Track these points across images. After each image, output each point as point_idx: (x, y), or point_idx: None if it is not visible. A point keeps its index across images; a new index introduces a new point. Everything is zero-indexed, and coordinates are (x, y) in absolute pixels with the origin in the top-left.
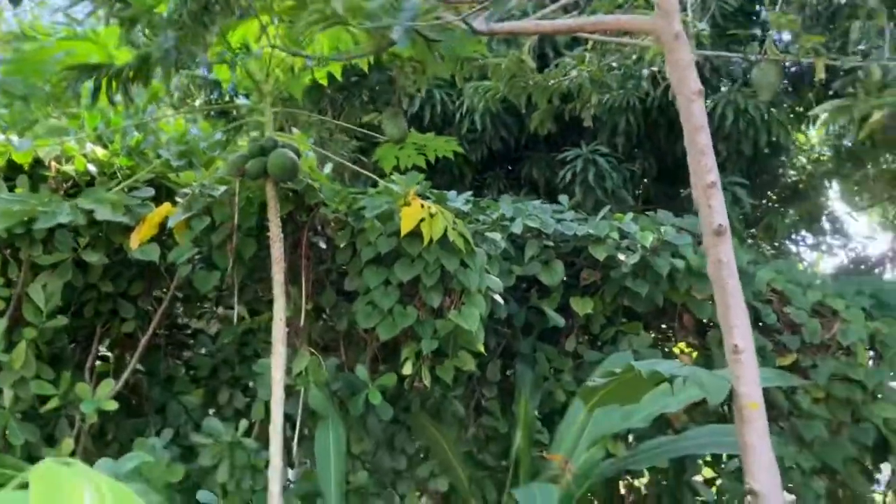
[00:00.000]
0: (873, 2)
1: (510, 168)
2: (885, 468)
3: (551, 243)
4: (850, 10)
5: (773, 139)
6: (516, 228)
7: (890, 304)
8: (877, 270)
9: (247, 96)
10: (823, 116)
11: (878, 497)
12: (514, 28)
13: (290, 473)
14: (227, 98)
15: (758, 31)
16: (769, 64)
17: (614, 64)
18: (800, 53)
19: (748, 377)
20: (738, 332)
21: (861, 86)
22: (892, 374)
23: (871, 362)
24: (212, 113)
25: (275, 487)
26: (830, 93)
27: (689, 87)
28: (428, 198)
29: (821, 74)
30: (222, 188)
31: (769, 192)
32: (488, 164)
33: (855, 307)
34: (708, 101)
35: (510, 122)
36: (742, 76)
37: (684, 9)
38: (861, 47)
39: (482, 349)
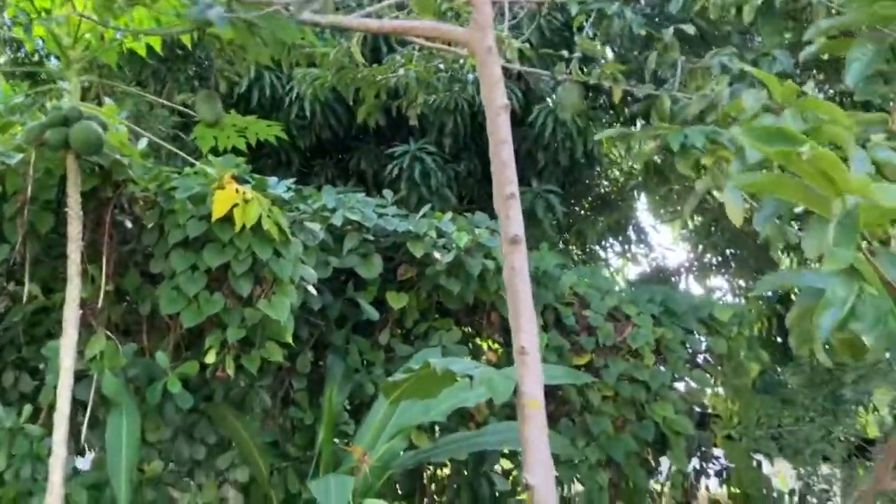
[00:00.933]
0: (668, 37)
1: (340, 157)
2: (664, 462)
3: (371, 237)
4: (648, 42)
5: (589, 151)
6: (337, 220)
7: (677, 312)
8: (673, 279)
9: (58, 59)
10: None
11: (657, 488)
12: (338, 21)
13: (83, 462)
14: (36, 59)
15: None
16: (573, 84)
17: (441, 66)
18: (600, 77)
19: (531, 377)
20: (525, 335)
21: (654, 113)
22: (674, 376)
23: (656, 365)
24: (16, 73)
25: (56, 477)
26: (628, 117)
27: (496, 101)
28: (247, 182)
29: (617, 98)
30: (18, 156)
31: (583, 201)
32: (317, 152)
33: (645, 314)
34: (534, 110)
35: (341, 112)
36: (552, 92)
37: (514, 19)
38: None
39: (291, 340)
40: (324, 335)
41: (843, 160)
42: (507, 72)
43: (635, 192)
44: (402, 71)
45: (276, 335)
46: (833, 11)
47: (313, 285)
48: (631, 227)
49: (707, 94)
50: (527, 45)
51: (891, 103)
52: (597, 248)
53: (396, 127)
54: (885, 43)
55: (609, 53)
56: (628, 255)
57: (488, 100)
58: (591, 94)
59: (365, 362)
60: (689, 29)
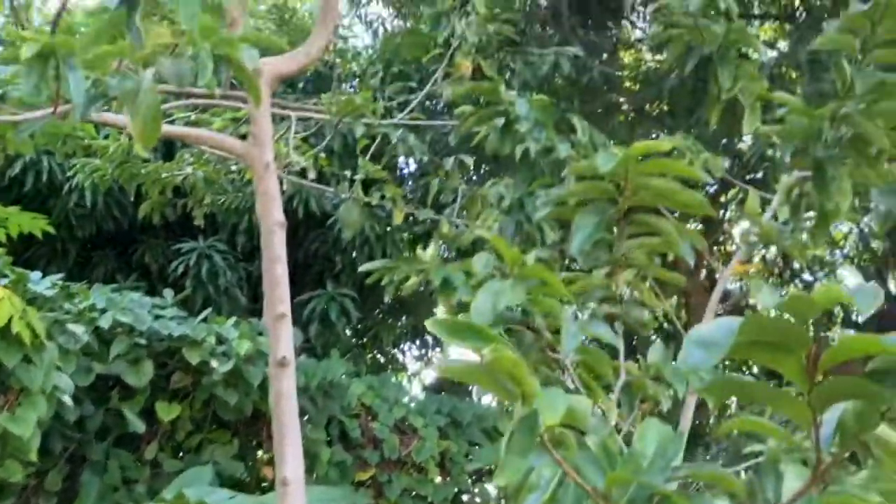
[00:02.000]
0: (449, 165)
1: (123, 250)
2: None
3: (143, 341)
4: (433, 168)
5: (387, 255)
6: (105, 322)
7: (462, 424)
8: (467, 386)
9: None
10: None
11: None
12: (117, 122)
13: None
14: None
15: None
16: (354, 203)
17: (233, 167)
18: (378, 198)
19: None
20: (288, 465)
21: (435, 236)
22: (456, 490)
23: (440, 479)
24: None
25: None
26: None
27: (272, 217)
28: (5, 276)
29: (398, 221)
30: None
31: (381, 304)
32: (98, 243)
33: (432, 425)
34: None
35: (126, 203)
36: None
37: (311, 129)
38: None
39: (36, 457)
40: (80, 449)
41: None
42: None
43: (433, 296)
44: (189, 169)
45: (18, 452)
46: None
47: (70, 394)
48: (428, 332)
49: (479, 224)
50: (322, 156)
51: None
52: (395, 351)
53: (187, 221)
54: (608, 213)
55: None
56: (426, 359)
57: (264, 215)
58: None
59: (126, 479)
60: (468, 158)
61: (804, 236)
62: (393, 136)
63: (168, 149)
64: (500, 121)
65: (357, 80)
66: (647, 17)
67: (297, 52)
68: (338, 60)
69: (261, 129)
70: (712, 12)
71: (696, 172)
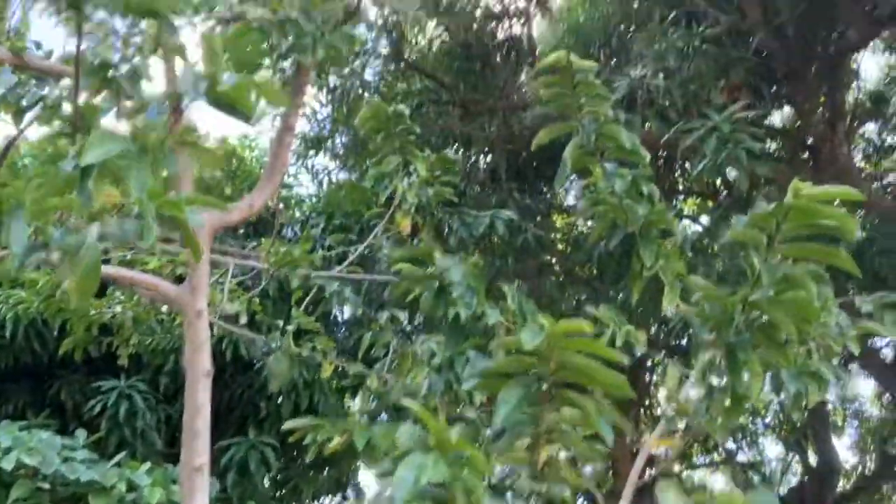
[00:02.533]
0: (382, 319)
1: (38, 383)
2: None
3: (47, 485)
4: (367, 321)
5: (315, 404)
6: (7, 463)
7: None
8: None
9: None
10: None
11: None
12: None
13: None
14: None
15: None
16: (283, 354)
17: (164, 308)
18: (309, 349)
19: None
20: None
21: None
22: None
23: None
24: None
25: None
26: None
27: (199, 366)
28: None
29: (327, 374)
30: None
31: (303, 455)
32: (12, 375)
33: None
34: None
35: (48, 336)
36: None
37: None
38: None
39: None
40: None
41: None
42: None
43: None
44: (119, 308)
45: None
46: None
47: None
48: (350, 486)
49: (408, 382)
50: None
51: None
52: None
53: (110, 358)
54: (533, 387)
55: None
56: None
57: (191, 363)
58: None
59: None
60: (401, 314)
61: (719, 415)
62: (329, 287)
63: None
64: (434, 283)
65: (299, 225)
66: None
67: (241, 204)
68: (281, 206)
69: (197, 276)
70: (636, 193)
71: (616, 355)
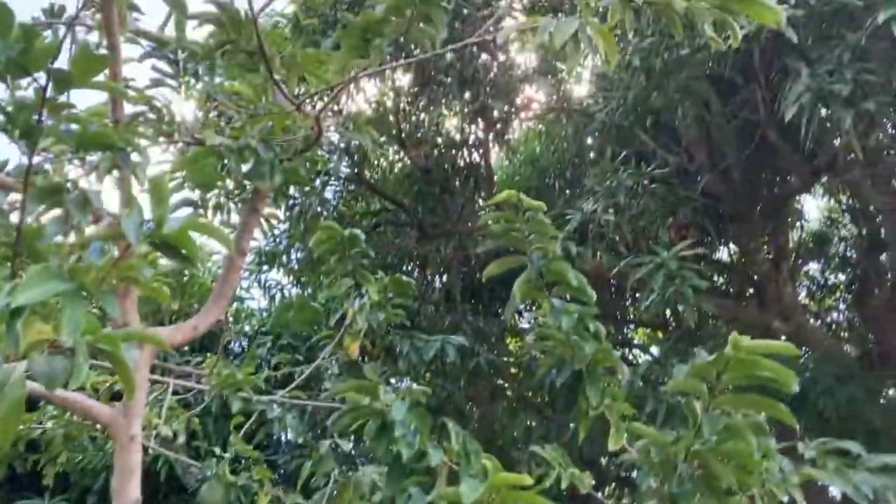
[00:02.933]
0: (323, 449)
1: None
2: None
3: None
4: (309, 450)
5: None
6: None
7: None
8: None
9: None
10: None
11: None
12: None
13: None
14: None
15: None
16: (218, 482)
17: (98, 425)
18: (246, 478)
19: None
20: None
21: None
22: None
23: None
24: None
25: None
26: None
27: (127, 495)
28: None
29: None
30: None
31: None
32: None
33: None
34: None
35: None
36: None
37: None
38: None
39: None
40: None
41: None
42: None
43: None
44: (49, 424)
45: None
46: None
47: None
48: None
49: None
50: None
51: None
52: None
53: (36, 476)
54: None
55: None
56: None
57: (119, 491)
58: None
59: None
60: (345, 444)
61: None
62: (270, 412)
63: (29, 398)
64: (378, 420)
65: (247, 340)
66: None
67: (186, 325)
68: (231, 319)
69: (134, 399)
70: (583, 330)
71: None
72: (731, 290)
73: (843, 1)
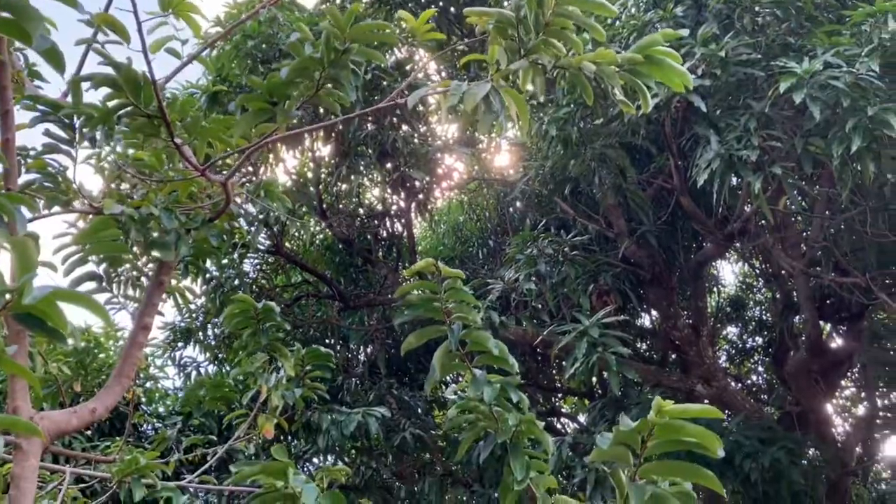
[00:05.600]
0: None
1: None
2: None
3: None
4: None
5: None
6: None
7: None
8: None
9: None
10: None
11: None
12: None
13: None
14: None
15: None
16: None
17: None
18: None
19: None
20: None
21: None
22: None
23: None
24: None
25: None
26: None
27: None
28: None
29: None
30: None
31: None
32: None
33: None
34: None
35: None
36: None
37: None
38: None
39: None
40: None
41: None
42: None
43: None
44: None
45: None
46: None
47: None
48: None
49: None
50: None
51: None
52: None
53: None
54: None
55: None
56: None
57: None
58: None
59: None
60: None
61: None
62: (177, 499)
63: None
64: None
65: (160, 421)
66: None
67: (84, 408)
68: (143, 399)
69: (21, 492)
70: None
71: None
72: (655, 355)
73: (747, 72)
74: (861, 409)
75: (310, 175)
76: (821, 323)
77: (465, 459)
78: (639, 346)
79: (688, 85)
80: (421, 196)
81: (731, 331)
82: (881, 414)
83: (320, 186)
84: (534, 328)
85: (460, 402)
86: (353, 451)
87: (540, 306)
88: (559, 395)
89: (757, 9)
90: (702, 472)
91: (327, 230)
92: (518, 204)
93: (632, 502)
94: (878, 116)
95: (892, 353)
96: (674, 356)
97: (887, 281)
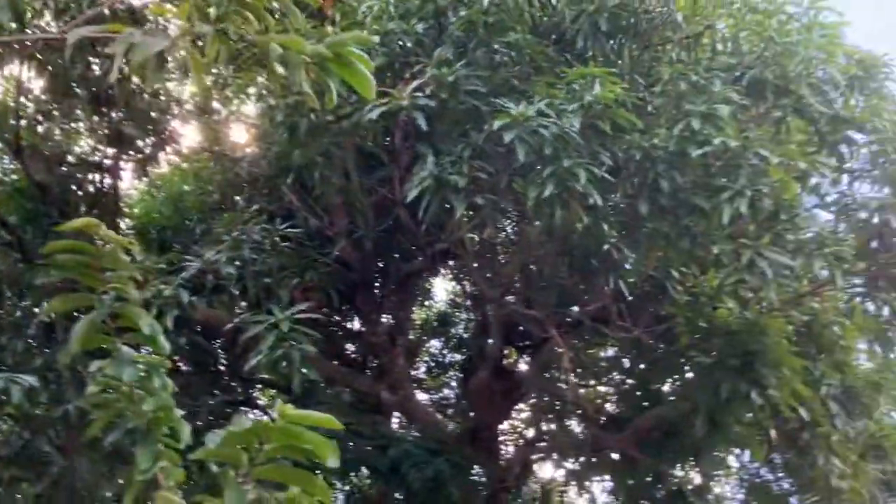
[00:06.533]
0: None
1: None
2: None
3: None
4: None
5: None
6: None
7: None
8: None
9: None
10: None
11: None
12: None
13: None
14: None
15: None
16: None
17: None
18: None
19: None
20: None
21: None
22: None
23: None
24: None
25: None
26: None
27: None
28: None
29: None
30: None
31: None
32: None
33: None
34: None
35: None
36: None
37: None
38: None
39: None
40: None
41: None
42: None
43: None
44: None
45: None
46: None
47: None
48: None
49: None
50: None
51: None
52: None
53: None
54: None
55: None
56: None
57: None
58: None
59: None
60: None
61: None
62: None
63: None
64: None
65: None
66: None
67: None
68: None
69: None
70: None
71: None
72: (357, 357)
73: (474, 103)
74: (531, 433)
75: (11, 104)
76: (510, 349)
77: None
78: (346, 348)
79: (369, 93)
80: (141, 156)
81: (435, 344)
82: (543, 438)
83: (21, 122)
84: (227, 314)
85: (99, 380)
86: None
87: (238, 292)
88: (258, 386)
89: (495, 46)
90: (312, 480)
91: (22, 171)
92: (246, 186)
93: None
94: (572, 169)
95: (558, 384)
96: (376, 362)
97: (568, 319)
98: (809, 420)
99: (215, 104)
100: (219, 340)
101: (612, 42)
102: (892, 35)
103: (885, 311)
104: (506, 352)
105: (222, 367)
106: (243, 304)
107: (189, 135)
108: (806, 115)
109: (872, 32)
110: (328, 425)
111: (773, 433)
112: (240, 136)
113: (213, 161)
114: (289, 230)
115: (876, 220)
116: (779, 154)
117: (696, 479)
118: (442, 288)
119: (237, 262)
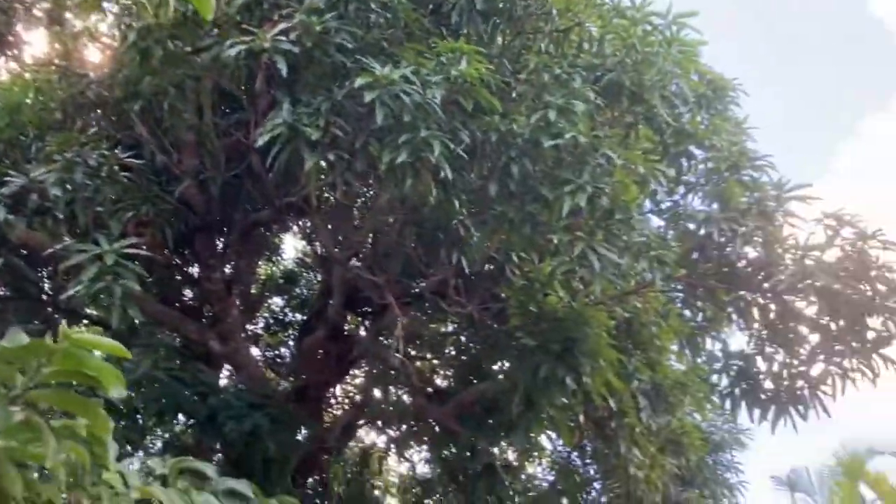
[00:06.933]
0: None
1: None
2: None
3: None
4: None
5: None
6: None
7: None
8: None
9: None
10: None
11: None
12: None
13: None
14: None
15: None
16: None
17: None
18: None
19: None
20: None
21: None
22: None
23: None
24: None
25: None
26: None
27: None
28: None
29: None
30: None
31: None
32: None
33: None
34: None
35: None
36: None
37: None
38: None
39: None
40: None
41: None
42: None
43: None
44: None
45: None
46: None
47: None
48: None
49: None
50: None
51: None
52: None
53: None
54: None
55: None
56: None
57: None
58: None
59: None
60: None
61: None
62: None
63: None
64: None
65: None
66: None
67: None
68: None
69: None
70: None
71: None
72: (194, 302)
73: (339, 58)
74: (360, 398)
75: None
76: (351, 314)
77: None
78: (185, 294)
79: (207, 10)
80: None
81: (278, 302)
82: (370, 404)
83: None
84: (50, 239)
85: None
86: None
87: (64, 217)
88: (84, 322)
89: (371, 5)
90: (93, 409)
91: None
92: (92, 107)
93: None
94: (428, 139)
95: (390, 354)
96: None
97: (413, 291)
98: (618, 410)
99: (68, 15)
100: (45, 269)
101: (486, 24)
102: (747, 59)
103: (700, 317)
104: (348, 317)
105: (46, 298)
106: (74, 231)
107: (35, 44)
108: (654, 124)
109: (726, 53)
110: (115, 352)
111: (581, 418)
112: (92, 54)
113: (58, 76)
114: (130, 160)
115: (702, 231)
116: (624, 157)
117: (511, 457)
118: (292, 246)
119: (68, 186)
